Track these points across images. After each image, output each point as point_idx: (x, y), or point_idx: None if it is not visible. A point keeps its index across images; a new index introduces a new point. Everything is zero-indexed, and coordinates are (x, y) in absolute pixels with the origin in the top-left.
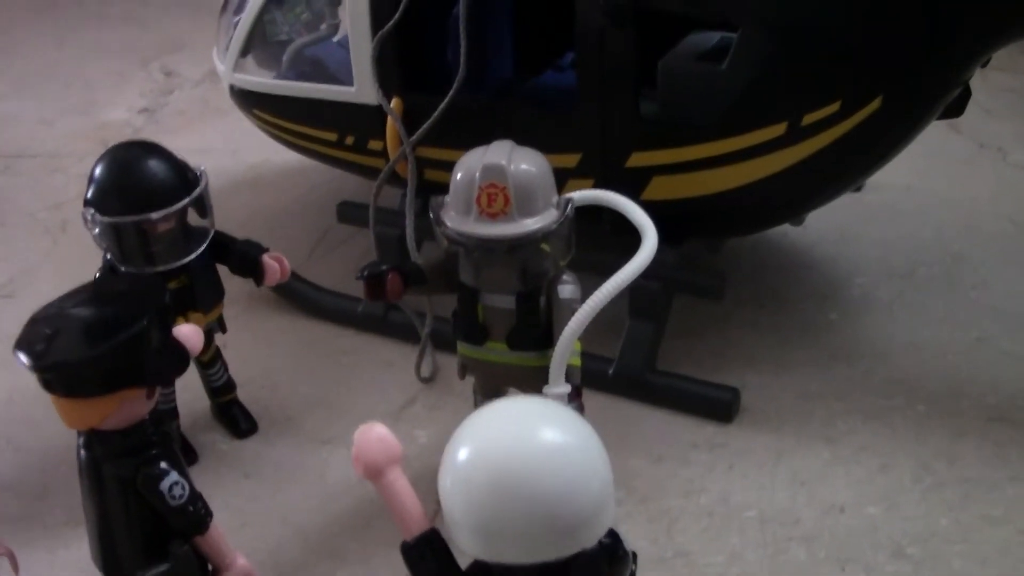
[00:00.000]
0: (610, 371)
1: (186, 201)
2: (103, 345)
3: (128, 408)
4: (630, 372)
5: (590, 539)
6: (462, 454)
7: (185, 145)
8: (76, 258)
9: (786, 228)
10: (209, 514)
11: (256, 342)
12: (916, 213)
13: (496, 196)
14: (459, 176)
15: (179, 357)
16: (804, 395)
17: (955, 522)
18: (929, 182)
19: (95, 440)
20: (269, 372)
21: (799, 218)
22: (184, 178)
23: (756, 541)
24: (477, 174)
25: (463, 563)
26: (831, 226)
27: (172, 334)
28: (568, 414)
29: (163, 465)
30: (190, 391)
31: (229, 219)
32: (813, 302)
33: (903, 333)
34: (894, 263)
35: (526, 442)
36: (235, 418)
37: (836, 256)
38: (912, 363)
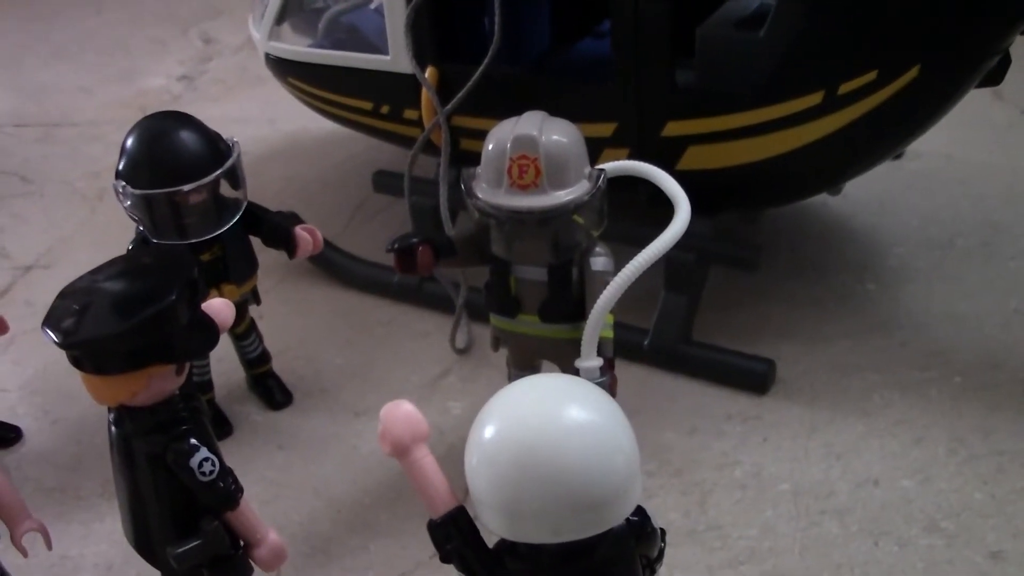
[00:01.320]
0: (645, 343)
1: (218, 173)
2: (130, 321)
3: (157, 384)
4: (665, 343)
5: (616, 518)
6: (487, 432)
7: (223, 114)
8: (114, 228)
9: (824, 197)
10: (240, 490)
11: (292, 313)
12: (956, 182)
13: (527, 167)
14: (490, 147)
15: (209, 332)
16: (840, 367)
17: (989, 496)
18: (970, 150)
19: (125, 416)
20: (304, 343)
21: (837, 187)
22: (216, 149)
23: (789, 514)
24: (508, 145)
25: (490, 542)
26: (870, 195)
27: (202, 309)
28: (594, 392)
29: (193, 441)
30: (225, 363)
31: (265, 188)
32: (851, 273)
33: (941, 304)
34: (933, 233)
35: (551, 420)
36: (270, 390)
37: (875, 226)
38: (949, 334)
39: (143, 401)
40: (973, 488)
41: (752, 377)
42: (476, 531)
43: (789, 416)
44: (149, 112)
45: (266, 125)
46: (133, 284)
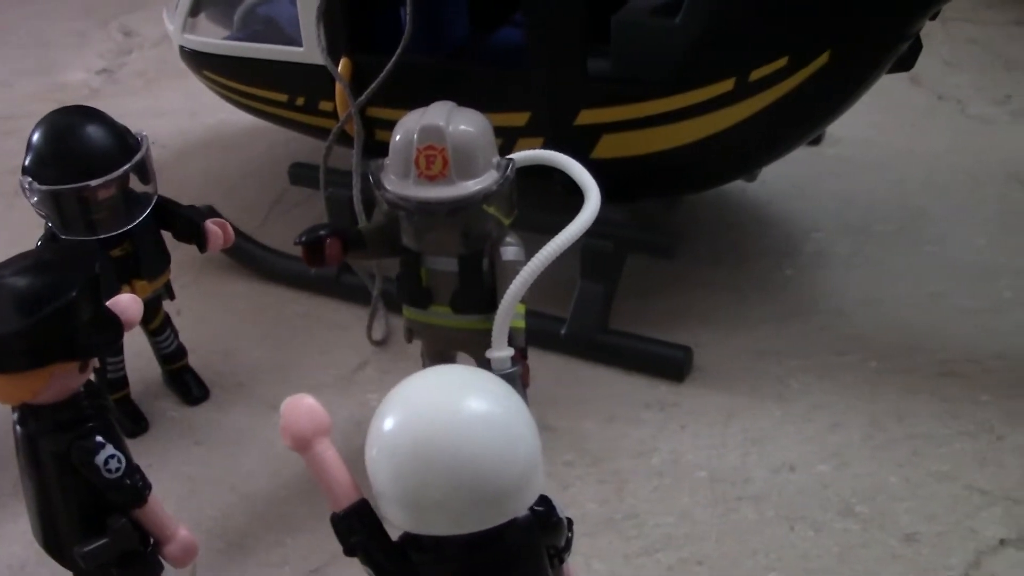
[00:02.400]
0: (562, 331)
1: (127, 168)
2: (30, 319)
3: (60, 382)
4: (582, 332)
5: (518, 508)
6: (386, 424)
7: (143, 107)
8: (32, 225)
9: (743, 184)
10: (147, 486)
11: (210, 308)
12: (875, 167)
13: (434, 158)
14: (397, 138)
15: (113, 329)
16: (758, 353)
17: (904, 479)
18: (888, 135)
19: (29, 415)
20: (222, 338)
21: (753, 174)
22: (124, 144)
23: (706, 500)
24: (415, 136)
25: (395, 535)
26: (788, 181)
27: (106, 305)
28: (494, 383)
29: (98, 439)
30: (142, 359)
31: (185, 182)
32: (769, 259)
33: (859, 289)
34: (851, 218)
35: (450, 411)
36: (187, 385)
37: (793, 212)
38: (867, 319)
39: (46, 399)
40: (888, 472)
41: (670, 364)
42: (379, 524)
43: (707, 403)
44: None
45: (187, 118)
46: (33, 281)
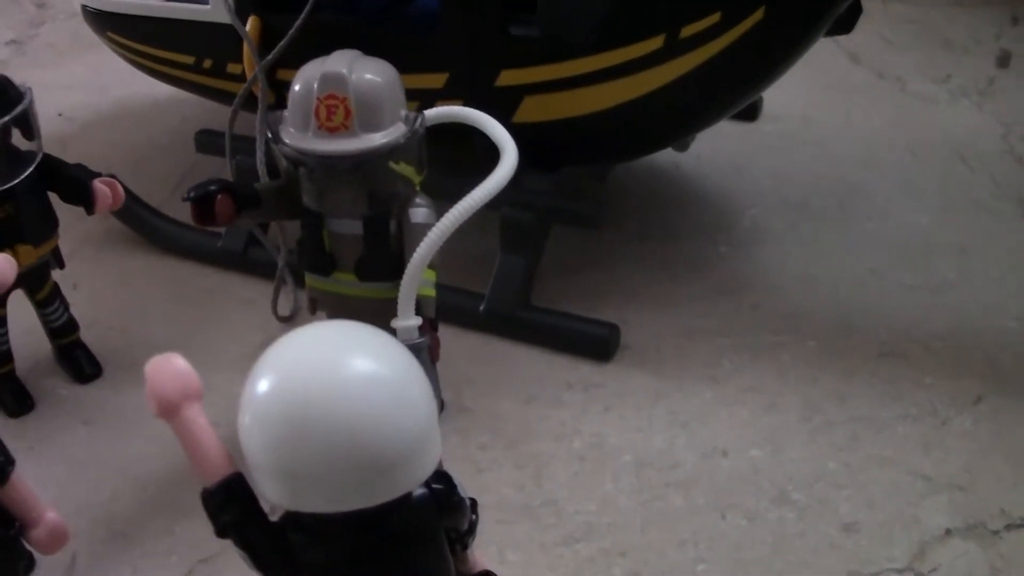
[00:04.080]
0: (481, 307)
1: (6, 119)
2: None
3: None
4: (501, 308)
5: (409, 483)
6: (259, 385)
7: (52, 79)
8: None
9: (676, 157)
10: (10, 462)
11: (109, 282)
12: (813, 144)
13: (336, 108)
14: (296, 87)
15: None
16: (688, 332)
17: (843, 464)
18: (827, 113)
19: None
20: (121, 313)
21: (684, 142)
22: (4, 94)
23: (631, 487)
24: (315, 84)
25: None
26: (724, 157)
27: None
28: (384, 340)
29: None
30: (32, 334)
31: (92, 155)
32: (703, 235)
33: (795, 266)
34: (788, 194)
35: (328, 369)
36: (78, 361)
37: (729, 188)
38: (803, 297)
39: None
40: (826, 457)
41: (594, 343)
42: (255, 500)
43: (633, 384)
44: None
45: (96, 91)
46: None
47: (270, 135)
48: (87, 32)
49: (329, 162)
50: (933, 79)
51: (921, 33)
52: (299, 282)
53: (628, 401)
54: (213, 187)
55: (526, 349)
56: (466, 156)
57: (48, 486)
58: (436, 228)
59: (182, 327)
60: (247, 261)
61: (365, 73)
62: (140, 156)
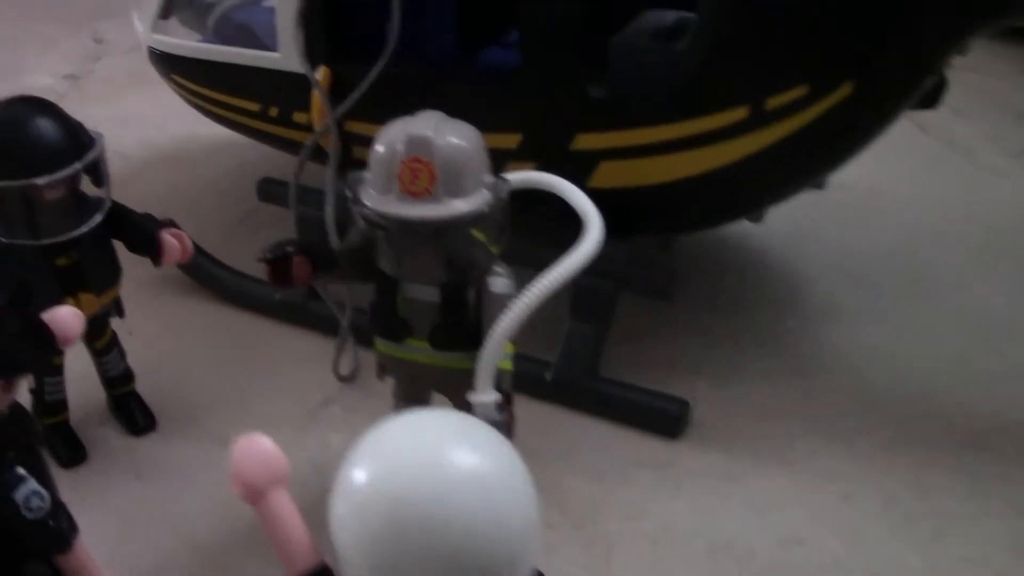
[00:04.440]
0: (548, 376)
1: (77, 166)
2: None
3: None
4: (570, 378)
5: None
6: (357, 478)
7: (109, 115)
8: None
9: (744, 225)
10: (73, 529)
11: (165, 330)
12: (882, 215)
13: (420, 172)
14: (380, 148)
15: (44, 344)
16: (760, 411)
17: (927, 562)
18: (896, 183)
19: None
20: (175, 363)
21: (759, 214)
22: (77, 141)
23: (704, 575)
24: (400, 146)
25: None
26: (791, 226)
27: (38, 317)
28: (487, 433)
29: (19, 472)
30: (86, 380)
31: (147, 195)
32: (771, 308)
33: (867, 345)
34: (857, 268)
35: (432, 468)
36: (131, 412)
37: (797, 259)
38: (877, 379)
39: None
40: (908, 552)
41: (665, 419)
42: None
43: (704, 464)
44: None
45: (154, 129)
46: None
47: (349, 195)
48: (145, 67)
49: (410, 227)
50: (1005, 151)
51: (992, 104)
52: (360, 341)
53: (699, 482)
54: (290, 248)
55: (593, 422)
56: (539, 221)
57: (100, 544)
58: (520, 302)
59: (239, 381)
60: (307, 315)
61: (451, 137)
62: (198, 198)
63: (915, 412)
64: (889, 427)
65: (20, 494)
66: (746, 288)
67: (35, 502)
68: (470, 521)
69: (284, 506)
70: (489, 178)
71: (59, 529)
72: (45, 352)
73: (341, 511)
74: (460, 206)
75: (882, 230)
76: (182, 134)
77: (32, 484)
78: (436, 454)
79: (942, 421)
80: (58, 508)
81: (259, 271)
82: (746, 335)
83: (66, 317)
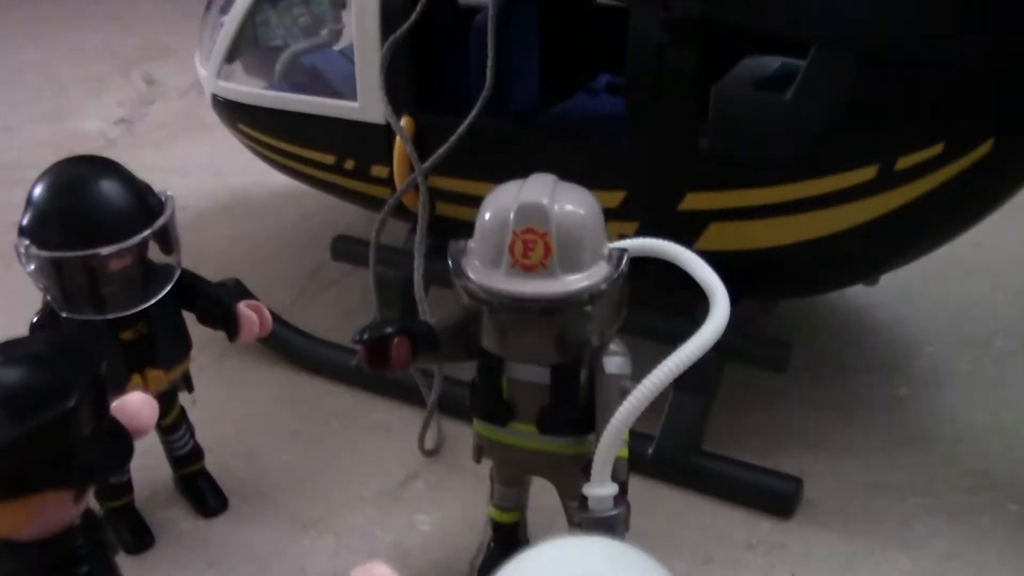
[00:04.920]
0: (649, 451)
1: (146, 234)
2: (13, 433)
3: (49, 514)
4: (673, 453)
5: None
6: None
7: (163, 162)
8: (31, 293)
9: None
10: None
11: (230, 398)
12: (988, 273)
13: (535, 244)
14: (488, 216)
15: (119, 445)
16: (875, 486)
17: None
18: (999, 238)
19: (5, 553)
20: (244, 436)
21: (875, 277)
22: (144, 204)
23: None
24: (511, 215)
25: None
26: (894, 286)
27: (111, 413)
28: (639, 559)
29: None
30: (149, 456)
31: (207, 249)
32: (878, 374)
33: (983, 414)
34: (967, 331)
35: None
36: (201, 493)
37: (902, 321)
38: (997, 450)
39: (31, 535)
40: None
41: (776, 497)
42: None
43: (820, 546)
44: None
45: (211, 177)
46: (21, 381)
47: (451, 267)
48: (201, 112)
49: (523, 306)
50: None
51: None
52: (445, 410)
53: (815, 568)
54: (390, 329)
55: (698, 499)
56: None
57: None
58: (641, 388)
59: (313, 454)
60: (384, 382)
61: (567, 204)
62: (260, 255)
63: None
64: (1013, 504)
65: None
66: (851, 353)
67: None
68: None
69: None
70: (607, 248)
71: None
72: (121, 456)
73: None
74: (578, 281)
75: (990, 289)
76: (241, 183)
77: None
78: None
79: None
80: None
81: (329, 332)
82: (854, 404)
83: (139, 406)
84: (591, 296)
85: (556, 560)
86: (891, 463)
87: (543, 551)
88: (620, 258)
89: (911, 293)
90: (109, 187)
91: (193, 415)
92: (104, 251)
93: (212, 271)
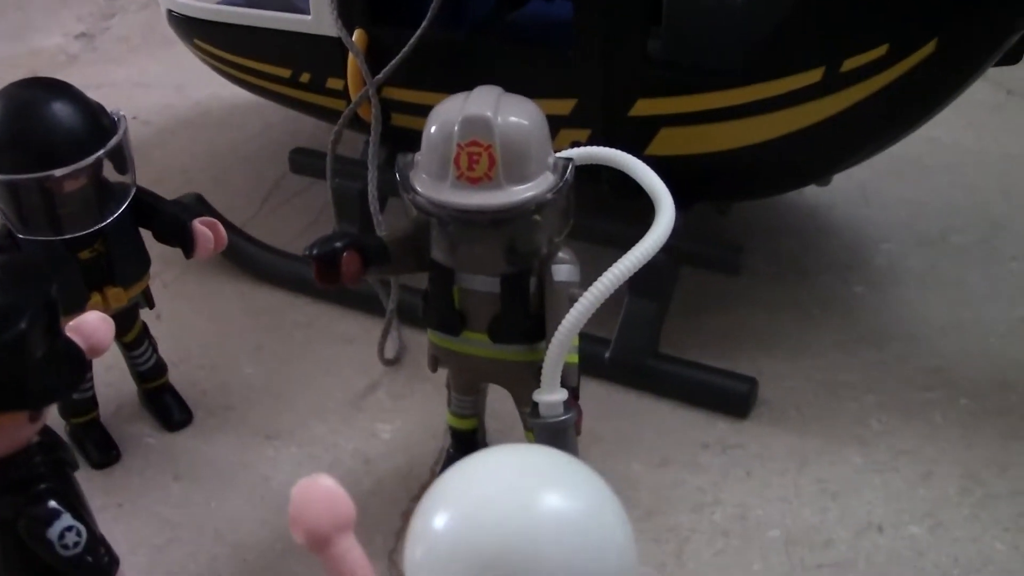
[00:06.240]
0: (606, 355)
1: (99, 154)
2: None
3: (7, 434)
4: (630, 356)
5: None
6: (438, 522)
7: (125, 76)
8: None
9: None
10: (113, 562)
11: (194, 313)
12: (944, 170)
13: (479, 157)
14: (433, 130)
15: (73, 366)
16: (830, 385)
17: (1013, 547)
18: (956, 134)
19: None
20: (208, 349)
21: (827, 179)
22: (98, 125)
23: (781, 568)
24: (456, 128)
25: None
26: (851, 184)
27: (64, 334)
28: (578, 471)
29: (52, 504)
30: (114, 372)
31: (168, 163)
32: (835, 273)
33: (938, 311)
34: (924, 228)
35: (525, 514)
36: (166, 407)
37: (859, 219)
38: (951, 347)
39: None
40: (992, 536)
41: (732, 398)
42: None
43: (775, 445)
44: (41, 75)
45: (173, 91)
46: None
47: (399, 182)
48: (162, 25)
49: (469, 217)
50: None
51: None
52: (405, 320)
53: (771, 466)
54: (339, 243)
55: (655, 402)
56: (592, 191)
57: (140, 551)
58: (588, 295)
59: (277, 366)
60: (346, 293)
61: (511, 116)
62: (221, 167)
63: (990, 383)
64: (964, 399)
65: (54, 531)
66: (808, 253)
67: (70, 538)
68: (563, 571)
69: (350, 552)
70: (552, 159)
71: (98, 565)
72: (76, 376)
73: (418, 557)
74: (524, 192)
75: (947, 186)
76: (202, 97)
77: (67, 519)
78: (525, 499)
79: (1017, 392)
80: (95, 542)
81: (292, 245)
82: (811, 303)
83: (94, 325)
84: (537, 206)
85: (491, 470)
86: (847, 363)
87: (479, 462)
88: (565, 167)
89: (868, 192)
90: (61, 109)
91: (157, 330)
92: (58, 173)
93: (175, 186)
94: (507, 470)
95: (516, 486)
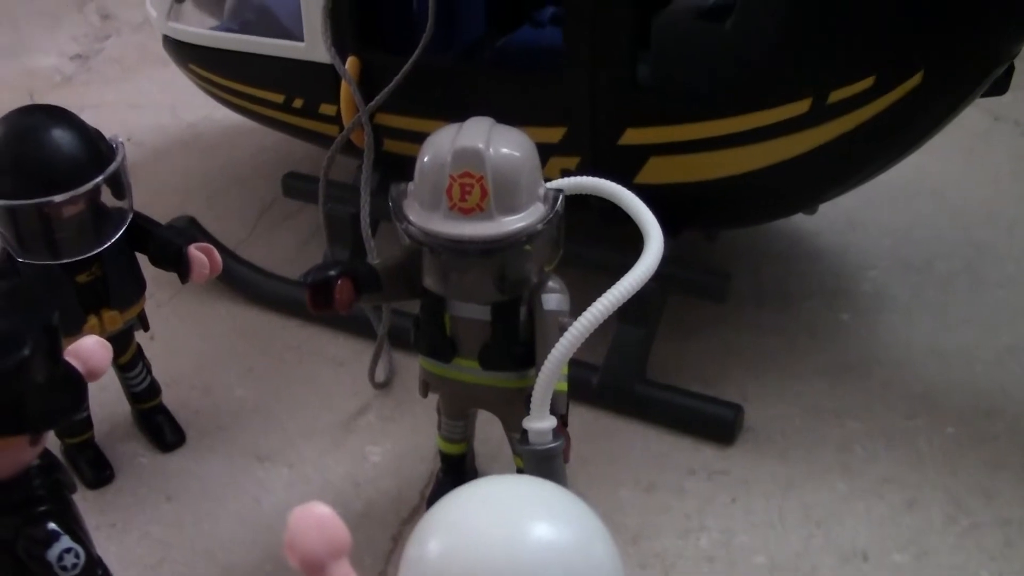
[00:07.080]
0: (594, 380)
1: (98, 180)
2: None
3: (8, 458)
4: (617, 382)
5: None
6: (429, 550)
7: (118, 98)
8: None
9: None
10: None
11: (187, 334)
12: (931, 195)
13: (471, 188)
14: (426, 161)
15: (73, 391)
16: (815, 412)
17: (996, 574)
18: (942, 160)
19: None
20: (200, 371)
21: (814, 207)
22: (96, 151)
23: None
24: (449, 159)
25: None
26: (837, 210)
27: (64, 359)
28: (569, 504)
29: (52, 527)
30: (108, 392)
31: (161, 185)
32: (821, 299)
33: (923, 337)
34: (909, 254)
35: (516, 546)
36: (159, 427)
37: (844, 245)
38: (936, 374)
39: None
40: (978, 565)
41: (717, 424)
42: None
43: (760, 471)
44: (36, 95)
45: (166, 112)
46: None
47: (392, 210)
48: (156, 47)
49: (461, 247)
50: None
51: None
52: (396, 344)
53: (756, 491)
54: (333, 271)
55: (642, 427)
56: (582, 217)
57: (132, 571)
58: (577, 325)
59: (268, 388)
60: (337, 317)
61: (503, 147)
62: (214, 190)
63: (975, 410)
64: (950, 427)
65: (53, 552)
66: (794, 279)
67: (69, 560)
68: None
69: None
70: (543, 189)
71: None
72: (76, 400)
73: None
74: (514, 223)
75: (932, 212)
76: (195, 119)
77: (66, 541)
78: (514, 528)
79: (1003, 420)
80: (93, 563)
81: (283, 268)
82: (797, 330)
83: (92, 349)
84: (528, 236)
85: (483, 501)
86: (831, 390)
87: (472, 492)
88: (556, 198)
89: (853, 218)
90: (61, 136)
91: (151, 351)
92: (57, 198)
93: (168, 207)
94: (499, 501)
95: (507, 518)
